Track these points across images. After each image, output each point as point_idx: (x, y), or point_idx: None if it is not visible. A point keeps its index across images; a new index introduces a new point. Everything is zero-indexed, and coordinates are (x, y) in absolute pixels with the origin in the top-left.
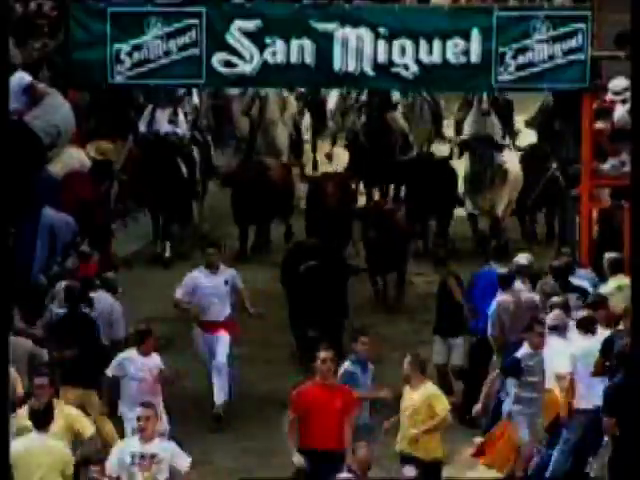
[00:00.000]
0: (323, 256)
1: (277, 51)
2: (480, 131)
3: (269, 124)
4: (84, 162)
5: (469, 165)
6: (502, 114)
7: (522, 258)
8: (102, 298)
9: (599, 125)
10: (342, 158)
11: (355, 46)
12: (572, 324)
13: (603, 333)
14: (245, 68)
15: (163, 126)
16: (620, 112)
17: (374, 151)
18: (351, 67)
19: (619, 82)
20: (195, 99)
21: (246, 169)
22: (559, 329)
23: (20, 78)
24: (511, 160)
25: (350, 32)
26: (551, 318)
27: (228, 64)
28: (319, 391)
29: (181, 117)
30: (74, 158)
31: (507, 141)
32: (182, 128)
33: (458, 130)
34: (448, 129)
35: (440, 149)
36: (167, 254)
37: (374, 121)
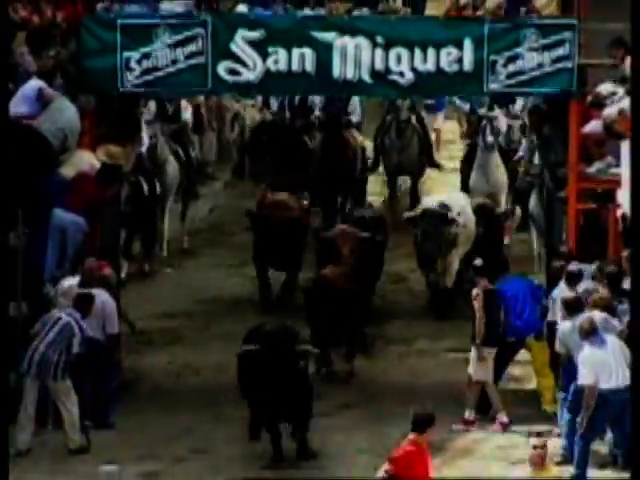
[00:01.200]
0: (272, 341)
1: (279, 59)
2: (485, 169)
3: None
4: (94, 165)
5: (419, 240)
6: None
7: (572, 265)
8: (95, 294)
9: (587, 129)
10: None
11: (353, 54)
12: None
13: None
14: (249, 76)
15: None
16: (608, 111)
17: (332, 166)
18: (350, 74)
19: (606, 87)
20: (187, 115)
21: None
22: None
23: (34, 85)
24: (465, 222)
25: (349, 41)
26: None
27: (233, 72)
28: (421, 451)
29: (144, 137)
30: (84, 161)
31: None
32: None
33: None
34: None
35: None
36: (123, 274)
37: (332, 136)
